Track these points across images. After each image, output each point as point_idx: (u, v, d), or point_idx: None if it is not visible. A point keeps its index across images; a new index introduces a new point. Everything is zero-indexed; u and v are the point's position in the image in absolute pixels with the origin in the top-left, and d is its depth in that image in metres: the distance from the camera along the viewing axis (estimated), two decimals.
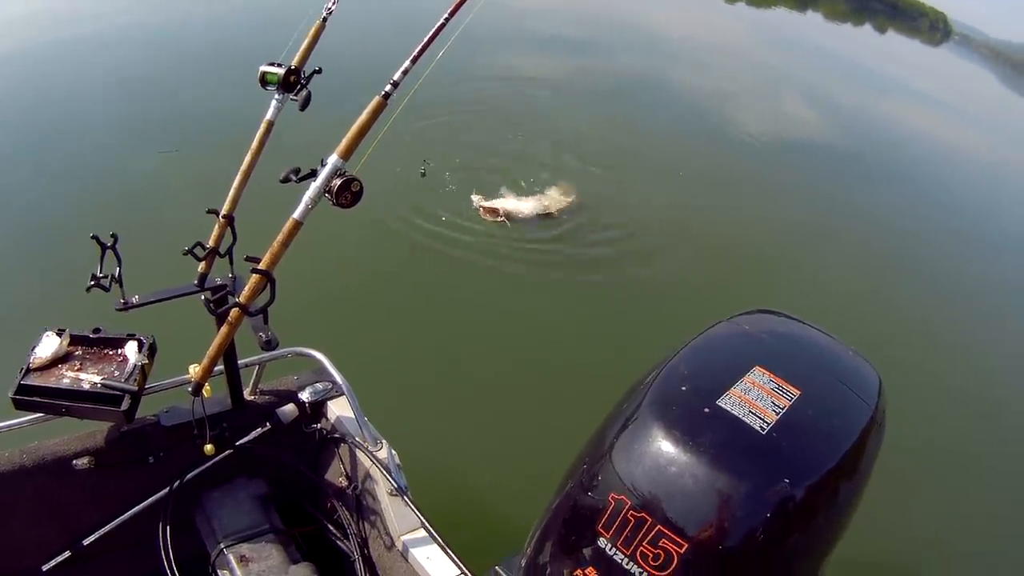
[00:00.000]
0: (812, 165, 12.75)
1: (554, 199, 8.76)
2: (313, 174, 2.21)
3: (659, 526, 2.06)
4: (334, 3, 2.79)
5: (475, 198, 8.45)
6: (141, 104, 10.29)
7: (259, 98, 2.76)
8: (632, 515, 2.10)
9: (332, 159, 2.18)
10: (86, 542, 2.96)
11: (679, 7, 25.88)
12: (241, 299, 2.26)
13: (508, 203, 8.44)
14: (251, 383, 3.08)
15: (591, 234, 8.44)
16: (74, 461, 2.86)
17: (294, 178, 2.23)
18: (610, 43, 17.25)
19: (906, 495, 5.44)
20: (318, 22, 2.78)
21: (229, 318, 2.32)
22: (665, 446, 2.14)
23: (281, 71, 2.64)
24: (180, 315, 2.91)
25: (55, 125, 9.38)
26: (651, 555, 2.07)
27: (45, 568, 2.92)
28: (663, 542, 2.05)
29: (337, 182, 2.16)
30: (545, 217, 8.47)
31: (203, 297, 2.67)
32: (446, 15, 2.25)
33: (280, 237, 2.20)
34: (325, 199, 2.18)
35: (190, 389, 2.51)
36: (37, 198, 8.07)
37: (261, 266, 2.20)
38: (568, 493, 2.41)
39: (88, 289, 2.57)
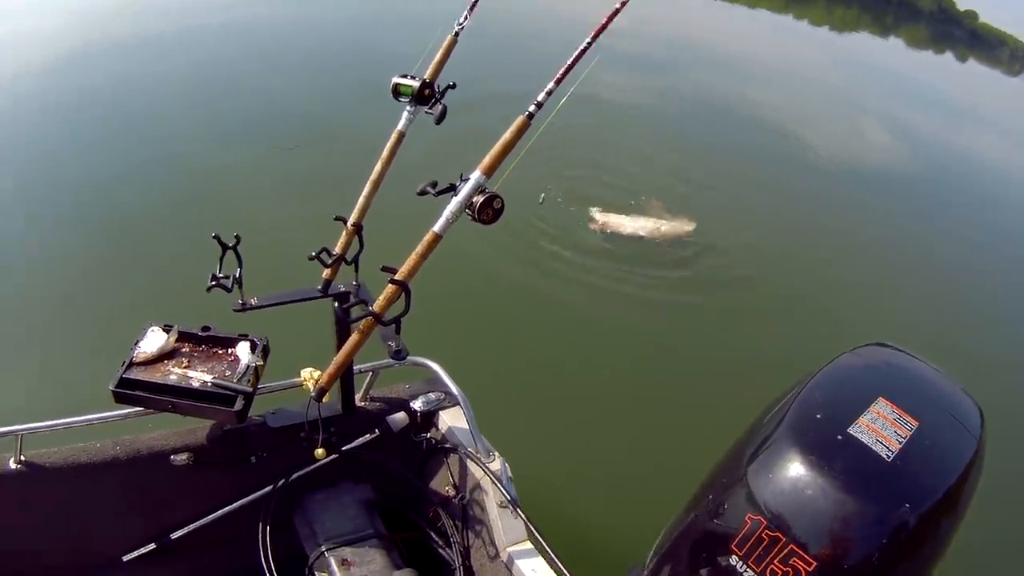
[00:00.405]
0: (895, 194, 12.49)
1: (666, 222, 8.74)
2: (452, 189, 2.22)
3: (791, 545, 2.10)
4: (466, 18, 2.79)
5: (594, 210, 8.56)
6: (263, 105, 10.77)
7: (386, 107, 2.79)
8: (767, 534, 2.14)
9: (475, 175, 2.19)
10: (174, 536, 3.02)
11: (764, 33, 25.70)
12: (375, 308, 2.28)
13: (622, 219, 8.52)
14: (363, 389, 3.11)
15: (707, 260, 8.42)
16: (172, 457, 2.92)
17: (431, 191, 2.24)
18: (693, 66, 17.23)
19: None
20: (450, 36, 2.79)
21: (361, 326, 2.33)
22: (802, 470, 2.20)
23: (415, 84, 2.65)
24: (286, 317, 2.93)
25: (173, 122, 9.87)
26: (780, 572, 2.11)
27: (125, 559, 2.99)
28: (793, 560, 2.09)
29: (479, 198, 2.17)
30: (659, 239, 8.47)
31: (335, 305, 2.68)
32: (589, 39, 2.24)
33: (419, 249, 2.21)
34: (465, 214, 2.20)
35: (313, 394, 2.54)
36: (147, 194, 8.34)
37: (398, 277, 2.21)
38: (699, 513, 2.43)
39: (208, 289, 2.59)
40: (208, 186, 8.61)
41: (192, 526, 3.02)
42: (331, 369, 2.48)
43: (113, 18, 14.29)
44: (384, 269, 2.23)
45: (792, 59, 22.21)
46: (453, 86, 2.67)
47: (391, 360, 2.61)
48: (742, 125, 13.71)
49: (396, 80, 2.69)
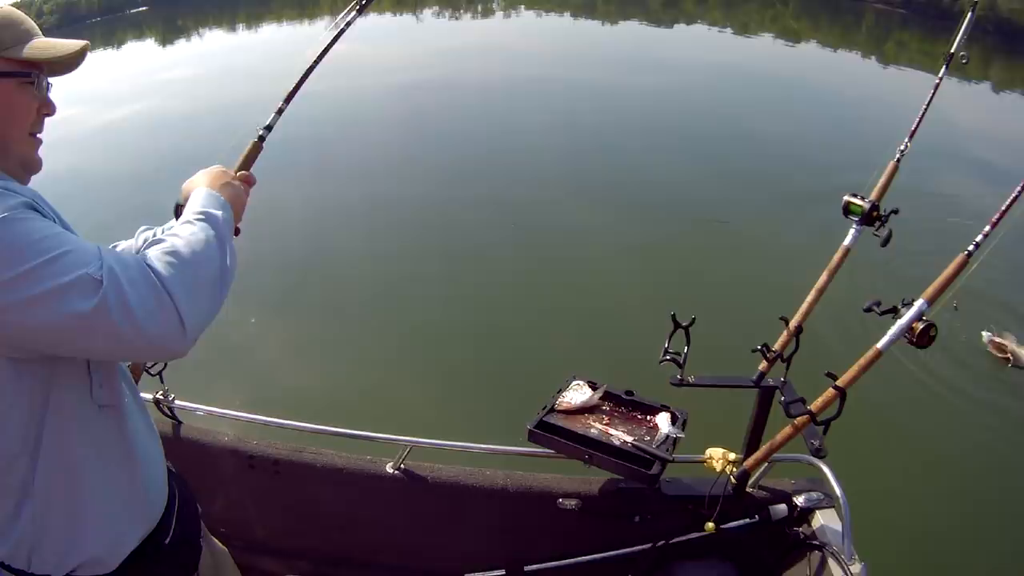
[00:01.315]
0: None
1: None
2: (894, 311, 2.44)
3: None
4: (907, 145, 2.96)
5: (986, 335, 8.05)
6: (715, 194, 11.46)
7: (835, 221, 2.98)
8: None
9: (918, 303, 2.41)
10: (528, 568, 3.21)
11: None
12: (813, 408, 2.50)
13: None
14: (756, 476, 3.25)
15: None
16: (560, 500, 3.09)
17: (876, 310, 2.46)
18: None
19: None
20: (892, 163, 2.97)
21: (796, 423, 2.56)
22: None
23: (865, 205, 2.82)
24: (703, 394, 3.08)
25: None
26: None
27: None
28: None
29: (919, 325, 2.37)
30: None
31: (781, 399, 2.83)
32: (1020, 188, 2.37)
33: (861, 362, 2.46)
34: (903, 337, 2.40)
35: (734, 477, 2.77)
36: (595, 254, 9.43)
37: (839, 383, 2.42)
38: None
39: (661, 362, 2.82)
40: (658, 256, 9.36)
41: (551, 564, 3.21)
42: (759, 455, 2.72)
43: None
44: (828, 375, 2.46)
45: None
46: (896, 211, 2.81)
47: (787, 455, 2.77)
48: None
49: (847, 199, 2.87)
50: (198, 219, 1.63)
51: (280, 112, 2.44)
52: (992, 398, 7.36)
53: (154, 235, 1.74)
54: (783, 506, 3.24)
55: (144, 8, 47.18)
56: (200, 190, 1.79)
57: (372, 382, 7.38)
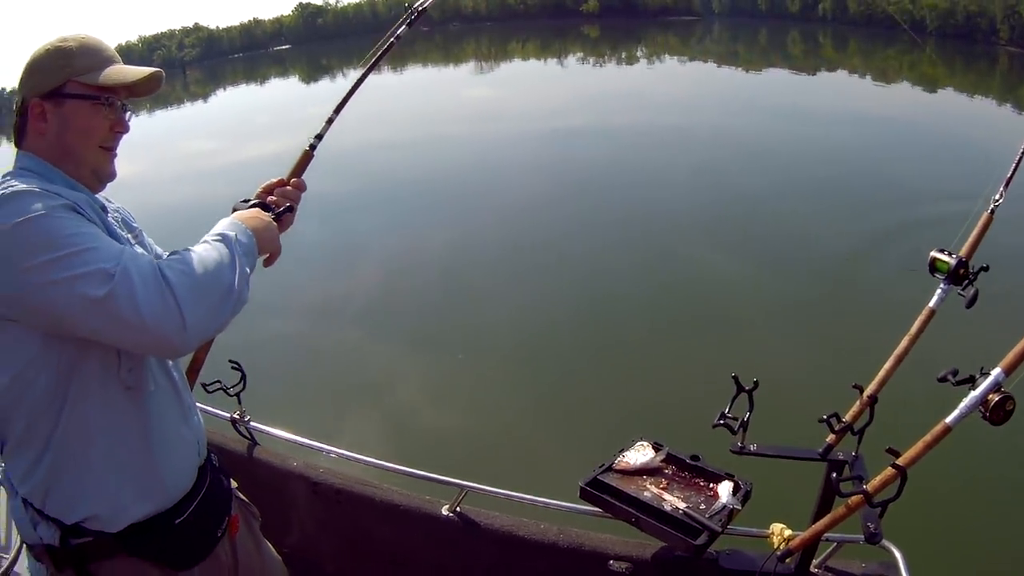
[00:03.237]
0: None
1: None
2: (971, 381, 2.16)
3: None
4: (1001, 195, 2.69)
5: None
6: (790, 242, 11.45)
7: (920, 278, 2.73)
8: None
9: (995, 372, 2.11)
10: None
11: None
12: (868, 487, 2.26)
13: None
14: (823, 556, 3.01)
15: None
16: (612, 562, 3.02)
17: (951, 379, 2.19)
18: None
19: None
20: (985, 214, 2.69)
21: (849, 502, 2.32)
22: None
23: (952, 260, 2.57)
24: (772, 464, 2.90)
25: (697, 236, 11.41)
26: None
27: None
28: None
29: (995, 397, 2.09)
30: None
31: (832, 476, 2.66)
32: None
33: (927, 438, 2.17)
34: (978, 410, 2.12)
35: (779, 554, 2.57)
36: (668, 310, 9.35)
37: (900, 461, 2.18)
38: None
39: (715, 426, 2.69)
40: (724, 308, 9.24)
41: None
42: (806, 536, 2.51)
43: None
44: (888, 451, 2.21)
45: None
46: (986, 268, 2.56)
47: (846, 537, 2.58)
48: None
49: (934, 255, 2.63)
50: (215, 240, 1.84)
51: (330, 122, 2.65)
52: None
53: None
54: None
55: (287, 46, 49.22)
56: (227, 219, 1.99)
57: (455, 422, 7.48)
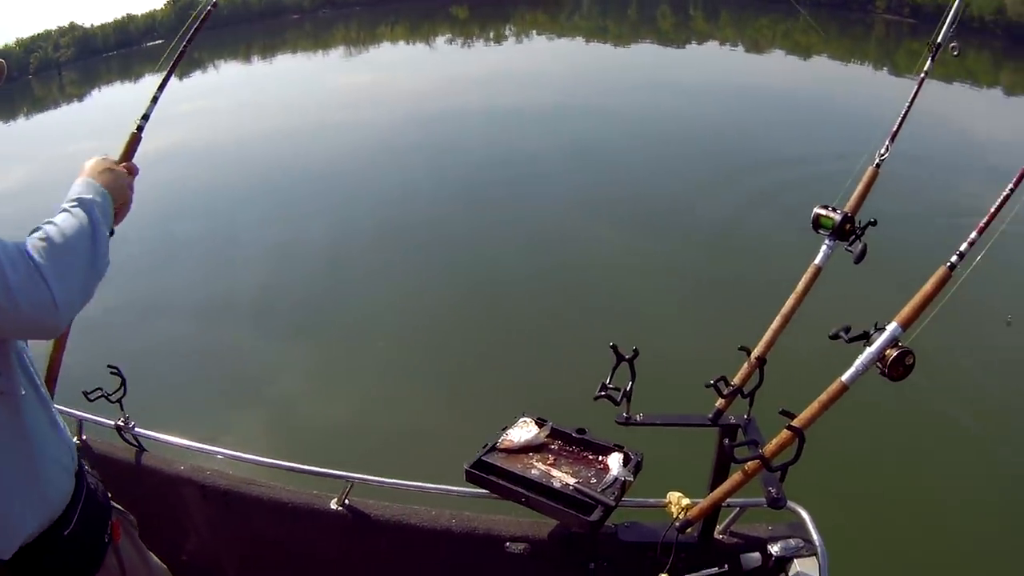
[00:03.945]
0: None
1: None
2: (865, 337, 2.11)
3: None
4: (887, 149, 2.66)
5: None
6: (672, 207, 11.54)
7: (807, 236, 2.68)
8: None
9: (891, 327, 2.06)
10: None
11: None
12: (765, 451, 2.19)
13: None
14: (725, 522, 2.98)
15: None
16: (508, 544, 2.96)
17: (844, 336, 2.13)
18: None
19: None
20: (871, 168, 2.66)
21: (746, 467, 2.25)
22: None
23: (836, 217, 2.52)
24: (662, 433, 2.83)
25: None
26: None
27: None
28: None
29: (892, 352, 2.04)
30: None
31: (724, 441, 2.61)
32: (1012, 184, 2.07)
33: (823, 398, 2.11)
34: (875, 367, 2.06)
35: (677, 524, 2.51)
36: (544, 280, 9.30)
37: (796, 423, 2.11)
38: None
39: (596, 398, 2.61)
40: (607, 283, 9.21)
41: None
42: (704, 505, 2.45)
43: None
44: (783, 413, 2.14)
45: None
46: (874, 223, 2.50)
47: (747, 502, 2.54)
48: None
49: (817, 211, 2.58)
50: (73, 206, 1.80)
51: (155, 100, 2.57)
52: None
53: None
54: (756, 555, 2.99)
55: (160, 41, 47.92)
56: (80, 179, 1.94)
57: (343, 413, 7.33)
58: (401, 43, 39.42)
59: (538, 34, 41.70)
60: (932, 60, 2.70)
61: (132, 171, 2.22)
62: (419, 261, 10.69)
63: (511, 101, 21.00)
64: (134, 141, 2.47)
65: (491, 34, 42.61)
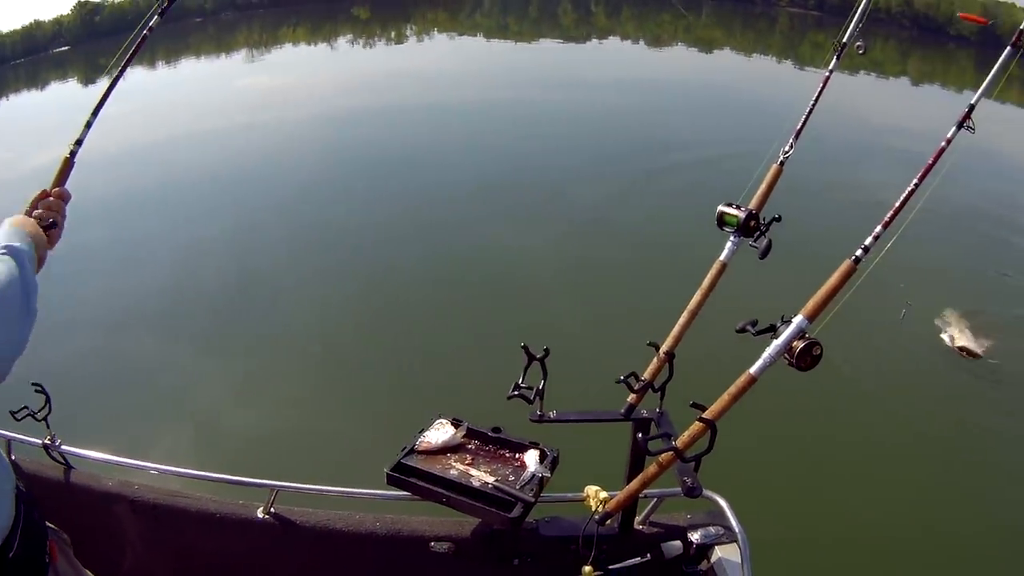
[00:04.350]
0: None
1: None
2: (772, 330, 2.15)
3: None
4: (791, 146, 2.71)
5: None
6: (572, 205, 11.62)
7: (712, 234, 2.72)
8: None
9: (797, 319, 2.11)
10: None
11: None
12: (678, 443, 2.22)
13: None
14: (644, 513, 3.04)
15: None
16: (432, 544, 2.98)
17: (751, 330, 2.17)
18: None
19: None
20: (775, 166, 2.71)
21: (660, 459, 2.28)
22: None
23: (741, 214, 2.56)
24: (578, 430, 2.89)
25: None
26: None
27: None
28: None
29: (799, 344, 2.08)
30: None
31: (638, 436, 2.61)
32: (916, 180, 2.14)
33: (732, 390, 2.15)
34: (783, 358, 2.10)
35: (596, 518, 2.54)
36: (454, 281, 9.30)
37: (707, 415, 2.15)
38: None
39: (509, 397, 2.65)
40: (518, 282, 9.35)
41: None
42: (621, 497, 2.47)
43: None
44: (694, 405, 2.18)
45: None
46: (778, 219, 2.56)
47: (664, 492, 2.57)
48: None
49: (722, 209, 2.61)
50: (2, 253, 1.75)
51: (89, 125, 2.47)
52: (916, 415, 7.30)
53: None
54: (678, 543, 3.07)
55: (67, 48, 46.43)
56: (5, 226, 1.91)
57: (264, 421, 7.19)
58: (303, 44, 38.99)
59: (439, 32, 41.71)
60: (837, 59, 2.77)
61: (64, 197, 2.19)
62: (329, 265, 10.52)
63: (414, 100, 20.93)
64: (67, 166, 2.39)
65: (392, 34, 42.47)
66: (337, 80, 27.09)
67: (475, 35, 40.08)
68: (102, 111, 2.50)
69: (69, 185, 2.32)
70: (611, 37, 38.65)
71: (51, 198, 2.16)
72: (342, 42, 40.03)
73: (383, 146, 16.43)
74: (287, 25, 46.29)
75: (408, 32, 42.59)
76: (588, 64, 30.24)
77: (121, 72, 2.59)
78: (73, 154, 2.41)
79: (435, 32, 41.95)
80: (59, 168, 2.36)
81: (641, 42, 36.27)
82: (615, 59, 31.43)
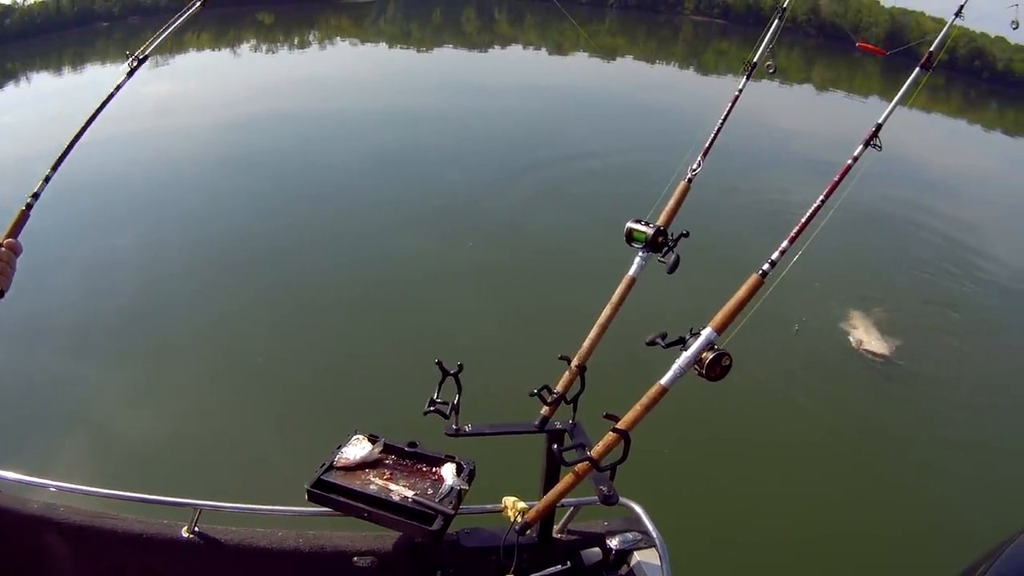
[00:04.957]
0: None
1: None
2: (681, 342, 2.20)
3: None
4: (699, 164, 2.79)
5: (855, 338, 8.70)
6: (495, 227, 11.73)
7: (620, 247, 2.78)
8: None
9: (706, 332, 2.17)
10: None
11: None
12: (593, 453, 2.27)
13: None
14: (562, 521, 3.08)
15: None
16: (355, 559, 2.98)
17: (661, 343, 2.22)
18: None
19: None
20: (683, 183, 2.78)
21: (577, 469, 2.32)
22: None
23: (649, 231, 2.62)
24: (493, 442, 2.90)
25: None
26: None
27: None
28: None
29: (708, 355, 2.14)
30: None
31: (553, 447, 2.66)
32: (822, 197, 2.24)
33: (644, 400, 2.19)
34: (693, 369, 2.16)
35: (516, 528, 2.56)
36: (368, 299, 9.22)
37: (620, 425, 2.19)
38: None
39: (426, 413, 2.67)
40: (431, 297, 9.38)
41: None
42: (539, 507, 2.50)
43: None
44: (607, 416, 2.22)
45: None
46: (686, 235, 2.62)
47: (582, 501, 2.60)
48: None
49: (630, 225, 2.67)
50: None
51: (47, 179, 2.50)
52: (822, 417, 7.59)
53: None
54: (597, 550, 3.11)
55: None
56: None
57: (182, 439, 6.99)
58: (207, 50, 38.29)
59: (342, 39, 41.41)
60: (748, 78, 2.86)
61: (16, 250, 2.24)
62: (237, 279, 10.19)
63: (317, 107, 20.72)
64: (22, 218, 2.41)
65: (296, 40, 42.02)
66: (240, 86, 26.67)
67: (378, 43, 39.84)
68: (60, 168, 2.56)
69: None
70: (513, 44, 38.84)
71: (3, 248, 2.19)
72: (245, 48, 39.42)
73: (286, 153, 16.15)
74: (191, 30, 45.40)
75: (311, 39, 42.13)
76: (491, 71, 30.57)
77: (86, 126, 2.71)
78: (29, 207, 2.43)
79: (338, 39, 41.59)
80: (14, 220, 2.38)
81: (543, 49, 36.50)
82: (518, 67, 31.63)
